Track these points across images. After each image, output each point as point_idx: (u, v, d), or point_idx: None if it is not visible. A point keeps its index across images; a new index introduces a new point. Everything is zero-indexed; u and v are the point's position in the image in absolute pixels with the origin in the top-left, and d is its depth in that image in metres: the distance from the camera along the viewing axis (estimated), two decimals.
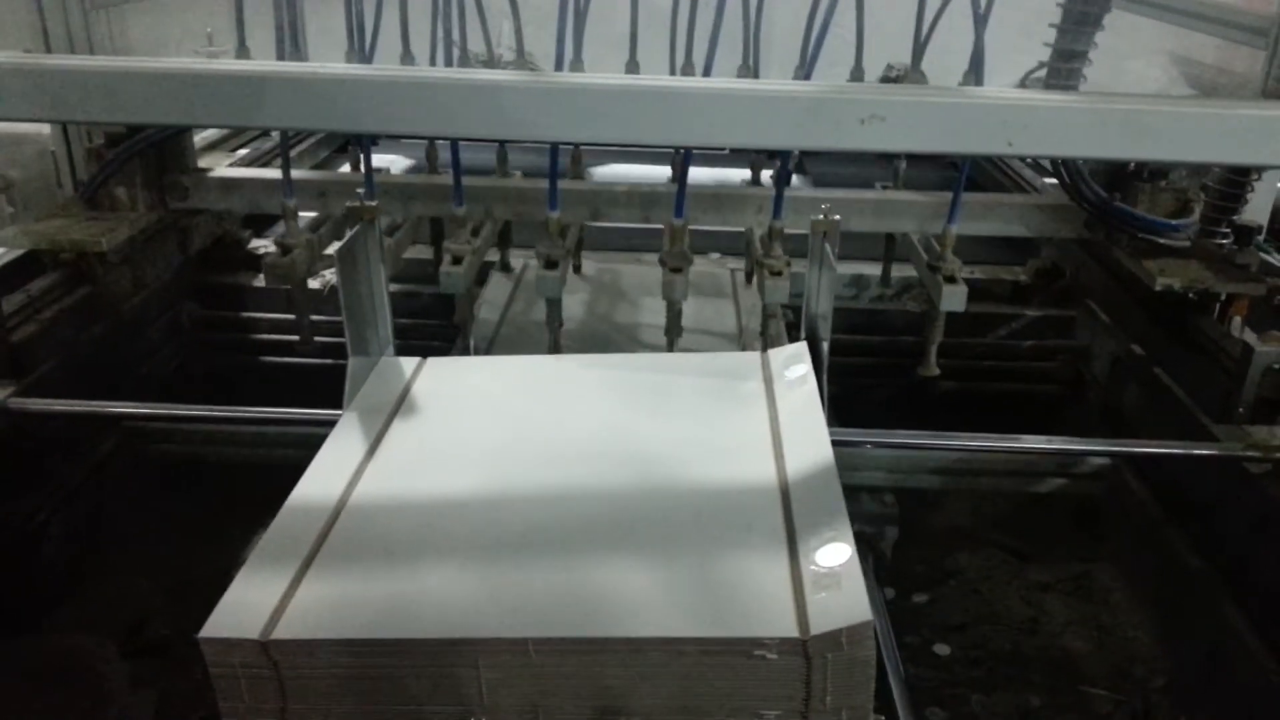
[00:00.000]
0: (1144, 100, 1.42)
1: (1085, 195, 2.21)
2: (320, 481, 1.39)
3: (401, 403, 1.60)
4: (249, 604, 1.16)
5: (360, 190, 1.80)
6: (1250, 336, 1.89)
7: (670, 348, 2.18)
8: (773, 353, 1.71)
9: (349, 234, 1.61)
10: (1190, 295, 2.12)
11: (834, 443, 1.94)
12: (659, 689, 1.13)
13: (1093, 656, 2.27)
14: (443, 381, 1.68)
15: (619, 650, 1.11)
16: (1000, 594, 2.47)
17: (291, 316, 2.66)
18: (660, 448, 1.46)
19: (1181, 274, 2.12)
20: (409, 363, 1.73)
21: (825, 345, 1.67)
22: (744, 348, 2.28)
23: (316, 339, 2.49)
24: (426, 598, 1.17)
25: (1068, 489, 2.70)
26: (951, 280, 2.18)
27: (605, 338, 2.37)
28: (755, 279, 2.31)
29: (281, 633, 1.12)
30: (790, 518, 1.28)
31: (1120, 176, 2.25)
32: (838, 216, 1.66)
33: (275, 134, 2.95)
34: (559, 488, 1.38)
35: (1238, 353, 1.88)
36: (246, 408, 1.92)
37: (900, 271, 2.78)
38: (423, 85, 1.34)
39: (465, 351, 2.22)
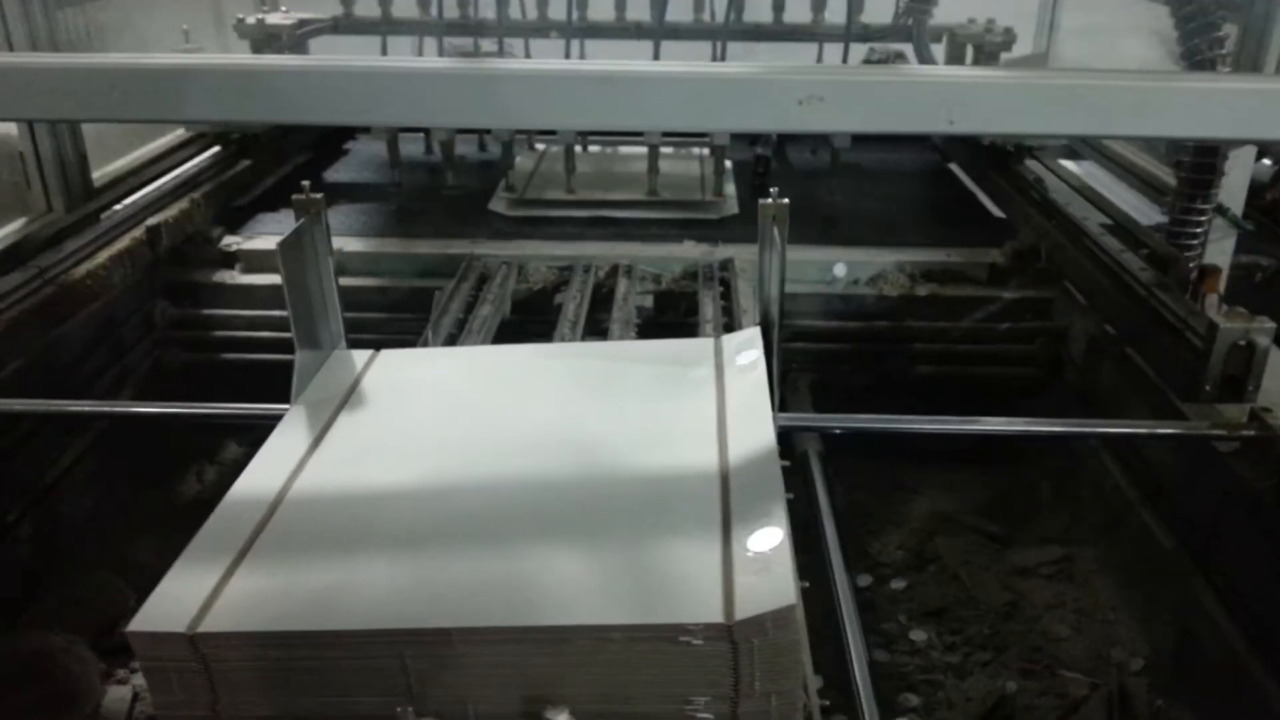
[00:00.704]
0: (1085, 75, 1.40)
1: None
2: (261, 475, 1.38)
3: (349, 395, 1.59)
4: (179, 598, 1.16)
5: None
6: (1215, 313, 1.86)
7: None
8: (726, 338, 1.70)
9: (295, 226, 1.60)
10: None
11: (802, 428, 1.96)
12: (587, 677, 1.12)
13: (1071, 640, 2.25)
14: (392, 373, 1.67)
15: (545, 639, 1.10)
16: (979, 579, 2.45)
17: (263, 312, 2.68)
18: (604, 436, 1.44)
19: None
20: (360, 355, 1.72)
21: (775, 331, 1.65)
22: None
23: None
24: (355, 589, 1.16)
25: (1050, 472, 2.69)
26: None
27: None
28: None
29: (209, 626, 1.12)
30: (728, 504, 1.27)
31: None
32: (786, 200, 1.64)
33: None
34: (498, 478, 1.37)
35: (1204, 330, 1.85)
36: (209, 404, 1.91)
37: (868, 256, 2.77)
38: (350, 75, 1.33)
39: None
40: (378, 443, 1.46)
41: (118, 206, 2.67)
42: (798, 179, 3.58)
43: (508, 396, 1.58)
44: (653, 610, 1.10)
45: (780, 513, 1.22)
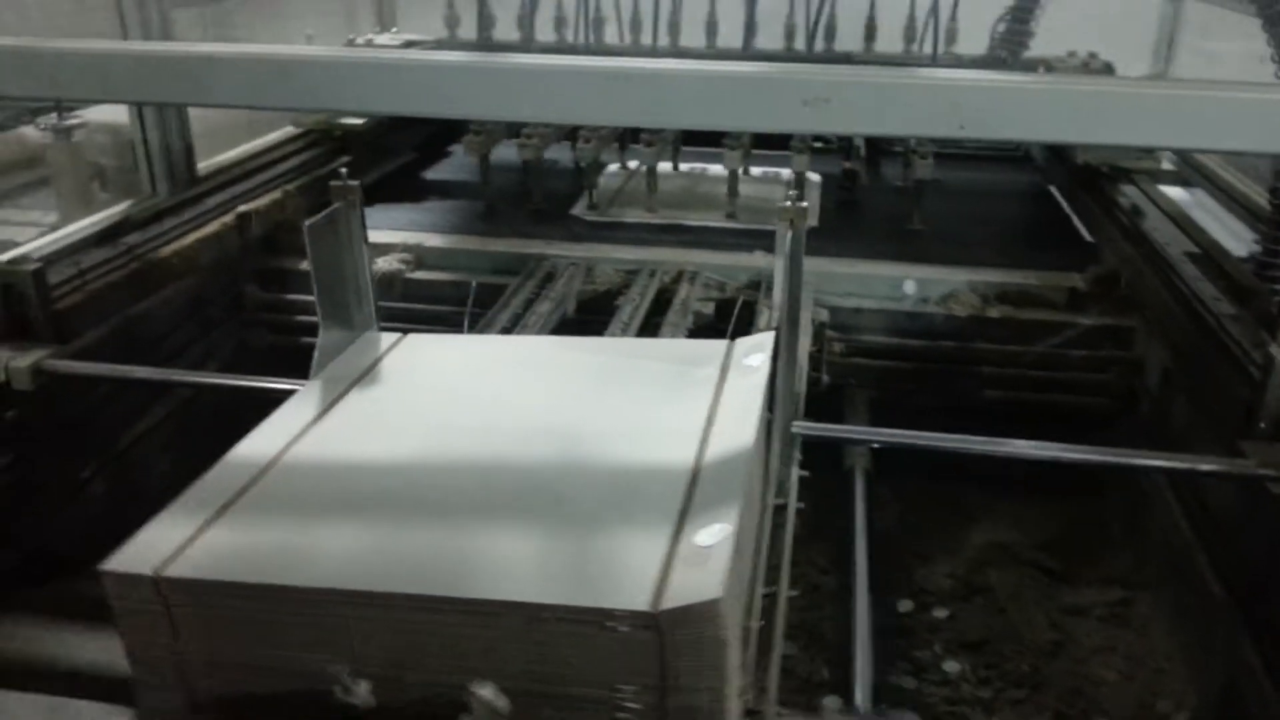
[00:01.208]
0: (1103, 82, 1.34)
1: None
2: (261, 440, 1.45)
3: (366, 374, 1.65)
4: (154, 544, 1.23)
5: None
6: (1276, 346, 1.74)
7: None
8: (740, 341, 1.69)
9: (327, 210, 1.68)
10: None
11: (821, 437, 1.92)
12: (518, 655, 1.13)
13: (1115, 687, 2.13)
14: (412, 356, 1.72)
15: (477, 612, 1.12)
16: (1027, 615, 2.35)
17: None
18: (590, 427, 1.46)
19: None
20: (389, 338, 1.79)
21: (795, 336, 1.64)
22: None
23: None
24: (315, 550, 1.21)
25: (1120, 509, 2.56)
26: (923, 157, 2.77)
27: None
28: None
29: (173, 572, 1.18)
30: (689, 500, 1.27)
31: None
32: (805, 203, 1.62)
33: None
34: (477, 459, 1.40)
35: (1262, 362, 1.74)
36: (274, 379, 1.99)
37: (940, 274, 2.70)
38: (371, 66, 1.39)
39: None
40: (377, 419, 1.52)
41: (215, 194, 2.83)
42: (888, 194, 3.51)
43: (512, 383, 1.61)
44: (583, 594, 1.11)
45: (733, 511, 1.21)
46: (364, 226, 1.76)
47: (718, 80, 1.38)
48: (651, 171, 3.22)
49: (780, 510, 1.71)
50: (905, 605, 2.39)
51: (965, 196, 3.50)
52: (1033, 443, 1.88)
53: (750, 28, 3.35)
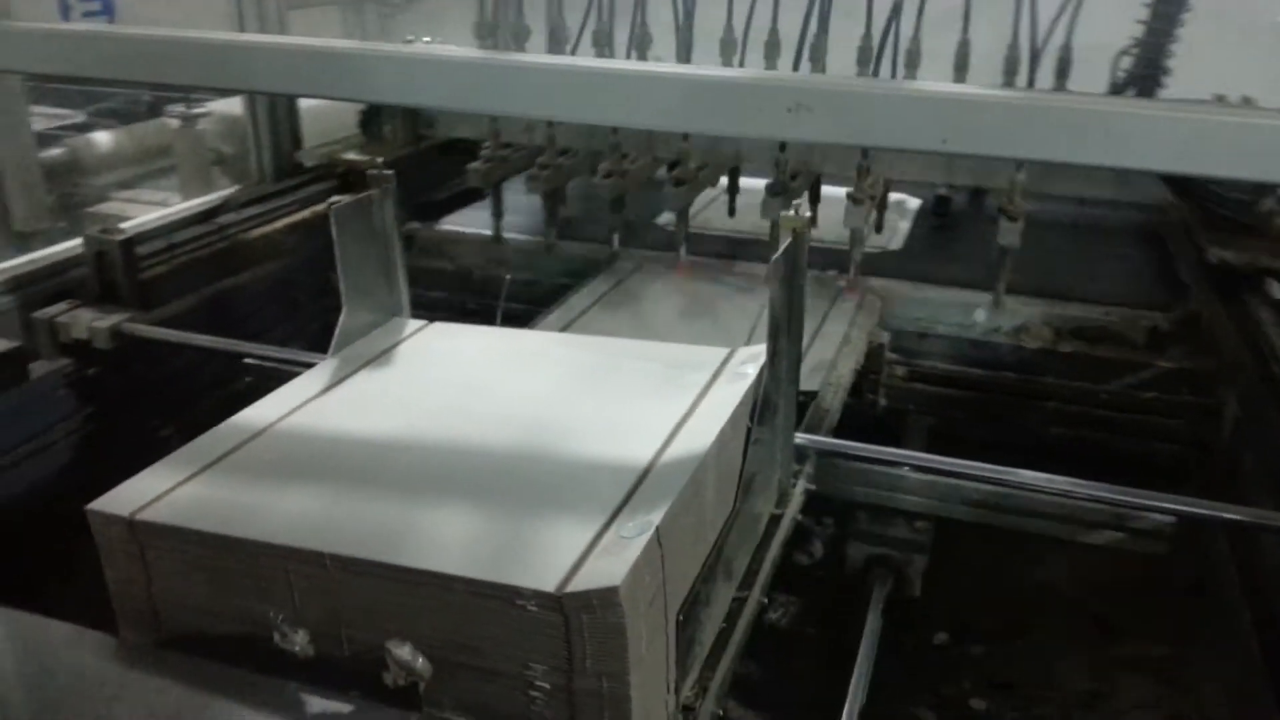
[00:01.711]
0: (1098, 101, 1.30)
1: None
2: (263, 409, 1.55)
3: (378, 357, 1.73)
4: (140, 490, 1.33)
5: None
6: None
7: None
8: (741, 350, 1.69)
9: (356, 196, 1.77)
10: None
11: (844, 455, 1.89)
12: (438, 624, 1.17)
13: None
14: (429, 342, 1.80)
15: (399, 579, 1.17)
16: (1069, 662, 2.24)
17: (424, 292, 2.91)
18: (566, 421, 1.49)
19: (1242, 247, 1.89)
20: (414, 324, 1.87)
21: (798, 346, 1.63)
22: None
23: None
24: (271, 508, 1.29)
25: (1189, 561, 2.41)
26: (1012, 219, 2.43)
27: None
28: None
29: (146, 516, 1.28)
30: (631, 494, 1.28)
31: None
32: (809, 213, 1.61)
33: None
34: (451, 441, 1.45)
35: None
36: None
37: (1015, 304, 2.61)
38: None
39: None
40: (372, 398, 1.59)
41: (315, 185, 3.00)
42: (984, 223, 3.40)
43: (508, 374, 1.66)
44: (498, 570, 1.14)
45: (664, 507, 1.22)
46: (395, 215, 1.85)
47: (701, 84, 1.40)
48: (683, 218, 2.79)
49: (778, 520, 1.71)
50: (941, 638, 2.32)
51: (1067, 231, 3.35)
52: (1074, 480, 1.82)
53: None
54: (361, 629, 1.21)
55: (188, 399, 2.52)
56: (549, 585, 1.11)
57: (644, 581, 1.14)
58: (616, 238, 2.93)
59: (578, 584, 1.11)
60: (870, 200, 2.59)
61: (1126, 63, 3.19)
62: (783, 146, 2.61)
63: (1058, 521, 1.97)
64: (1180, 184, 2.39)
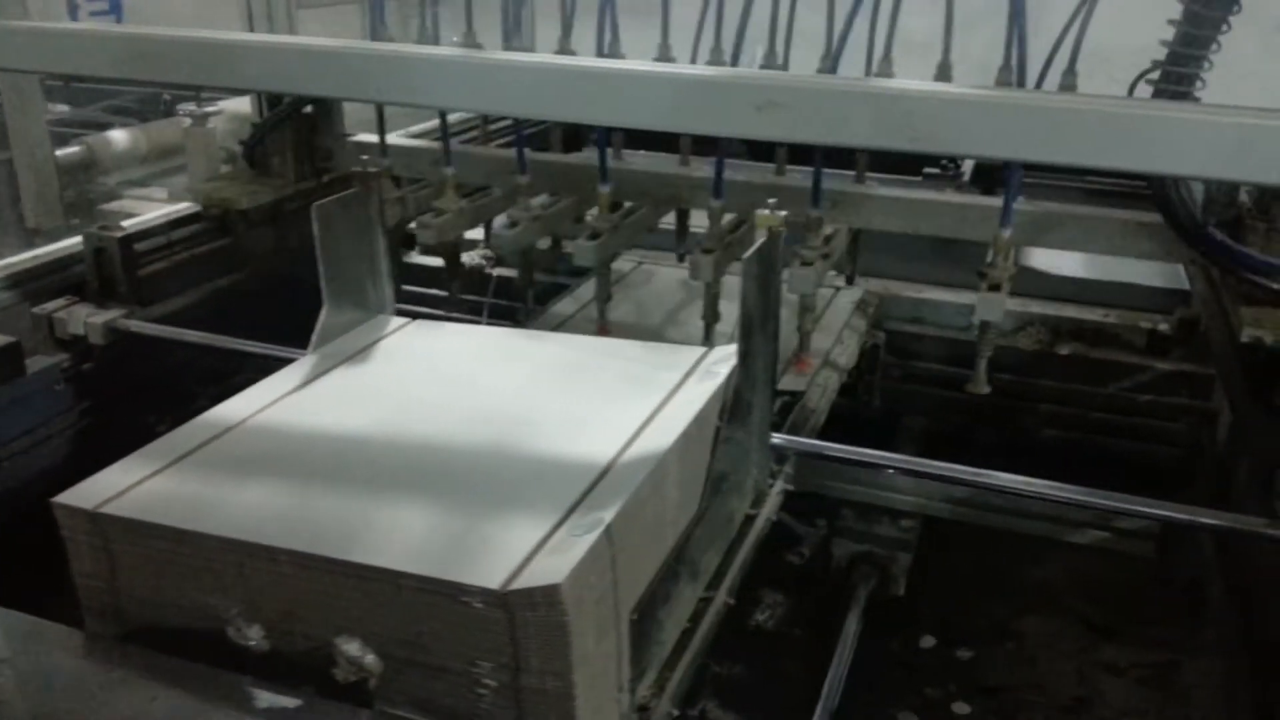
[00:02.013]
0: (1075, 99, 1.28)
1: (1178, 216, 1.93)
2: (237, 405, 1.56)
3: (358, 354, 1.74)
4: (107, 483, 1.34)
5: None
6: None
7: (707, 333, 2.19)
8: (716, 350, 1.69)
9: (341, 194, 1.78)
10: None
11: (822, 456, 1.88)
12: (388, 620, 1.18)
13: None
14: (409, 340, 1.81)
15: (350, 575, 1.17)
16: (1057, 666, 2.22)
17: (425, 290, 2.92)
18: (535, 418, 1.49)
19: (1278, 326, 1.83)
20: (398, 322, 1.88)
21: (773, 345, 1.62)
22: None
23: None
24: (231, 503, 1.30)
25: (1188, 566, 2.38)
26: (994, 288, 1.94)
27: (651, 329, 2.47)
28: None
29: (109, 509, 1.29)
30: (588, 492, 1.28)
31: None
32: (784, 212, 1.61)
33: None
34: (417, 438, 1.45)
35: None
36: None
37: (1014, 305, 2.57)
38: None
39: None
40: (345, 394, 1.60)
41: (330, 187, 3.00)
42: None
43: (483, 372, 1.67)
44: (445, 567, 1.15)
45: (616, 506, 1.22)
46: (382, 213, 1.86)
47: (669, 82, 1.39)
48: (603, 276, 2.31)
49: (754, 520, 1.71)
50: (928, 641, 2.30)
51: None
52: (1053, 484, 1.79)
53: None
54: (315, 624, 1.22)
55: (184, 394, 2.54)
56: (494, 582, 1.11)
57: (590, 580, 1.14)
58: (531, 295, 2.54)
59: (522, 581, 1.11)
60: (823, 260, 2.11)
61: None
62: (717, 192, 2.14)
63: (1041, 521, 1.95)
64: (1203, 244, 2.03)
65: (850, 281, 2.58)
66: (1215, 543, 2.06)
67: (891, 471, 2.00)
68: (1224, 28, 1.95)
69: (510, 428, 1.47)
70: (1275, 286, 1.89)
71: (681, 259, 2.58)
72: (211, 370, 2.60)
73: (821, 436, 2.12)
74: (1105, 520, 1.87)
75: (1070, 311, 2.57)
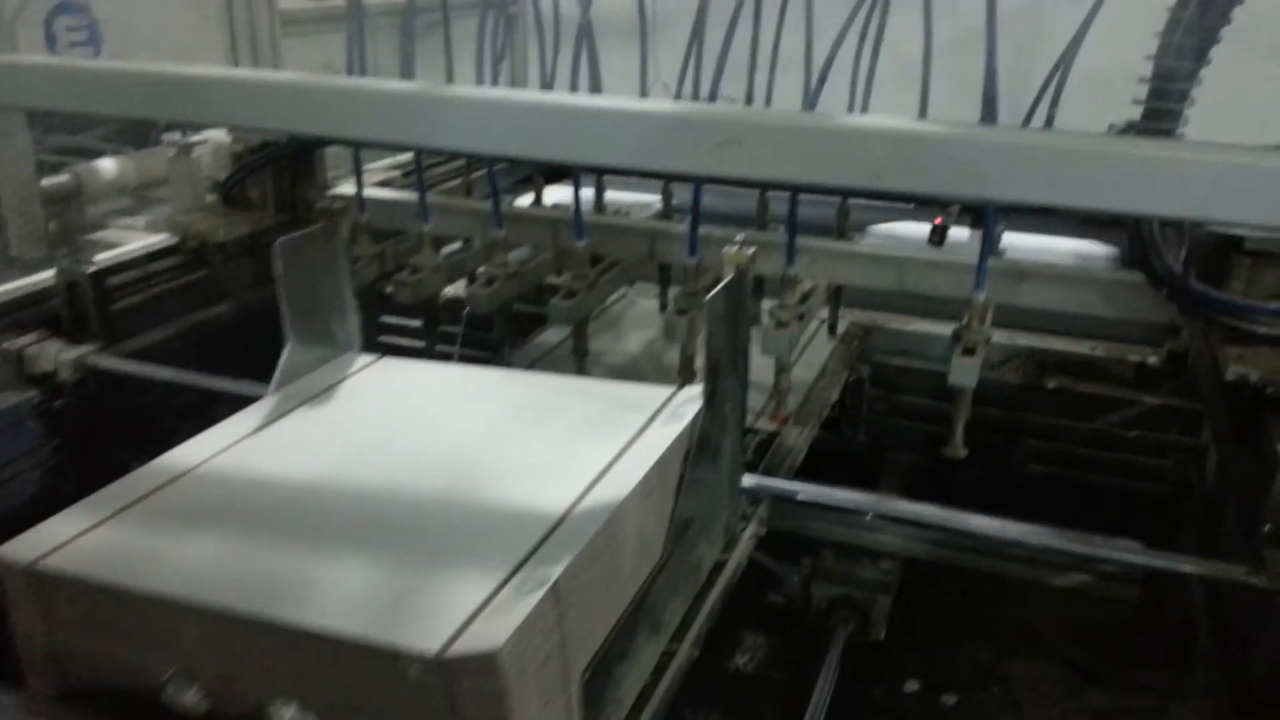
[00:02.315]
0: (1036, 136, 1.25)
1: (1154, 265, 1.90)
2: (188, 451, 1.52)
3: (319, 395, 1.70)
4: (47, 535, 1.30)
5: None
6: None
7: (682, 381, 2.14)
8: (684, 390, 1.65)
9: (303, 230, 1.75)
10: (1268, 391, 1.76)
11: (794, 499, 1.83)
12: (328, 684, 1.14)
13: None
14: (375, 379, 1.77)
15: (287, 635, 1.13)
16: (1043, 711, 2.16)
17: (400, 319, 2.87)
18: (494, 464, 1.45)
19: (1264, 364, 1.78)
20: (364, 359, 1.84)
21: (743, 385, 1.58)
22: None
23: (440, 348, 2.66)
24: (171, 557, 1.26)
25: (1181, 609, 2.32)
26: (969, 352, 1.92)
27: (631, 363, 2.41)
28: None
29: (45, 564, 1.25)
30: (540, 544, 1.24)
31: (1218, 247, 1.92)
32: (753, 249, 1.57)
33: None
34: (371, 487, 1.41)
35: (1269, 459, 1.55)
36: None
37: (1001, 337, 2.53)
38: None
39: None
40: (301, 439, 1.56)
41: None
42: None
43: (446, 414, 1.63)
44: (383, 630, 1.10)
45: (564, 562, 1.18)
46: (347, 250, 1.82)
47: (630, 119, 1.36)
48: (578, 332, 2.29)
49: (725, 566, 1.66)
50: (912, 686, 2.25)
51: None
52: (1034, 528, 1.75)
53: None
54: (253, 686, 1.18)
55: (158, 431, 2.50)
56: (431, 646, 1.07)
57: (534, 642, 1.10)
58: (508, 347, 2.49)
59: (460, 647, 1.06)
60: (799, 321, 2.04)
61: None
62: (692, 248, 2.10)
63: (1024, 564, 1.90)
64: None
65: (832, 330, 2.55)
66: (1203, 584, 2.00)
67: (869, 516, 1.95)
68: (1205, 59, 1.92)
69: (466, 474, 1.42)
70: (1260, 330, 1.85)
71: (664, 308, 2.57)
72: (188, 406, 2.56)
73: (803, 472, 2.08)
74: (1089, 564, 1.81)
75: (1058, 344, 2.52)
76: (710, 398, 1.53)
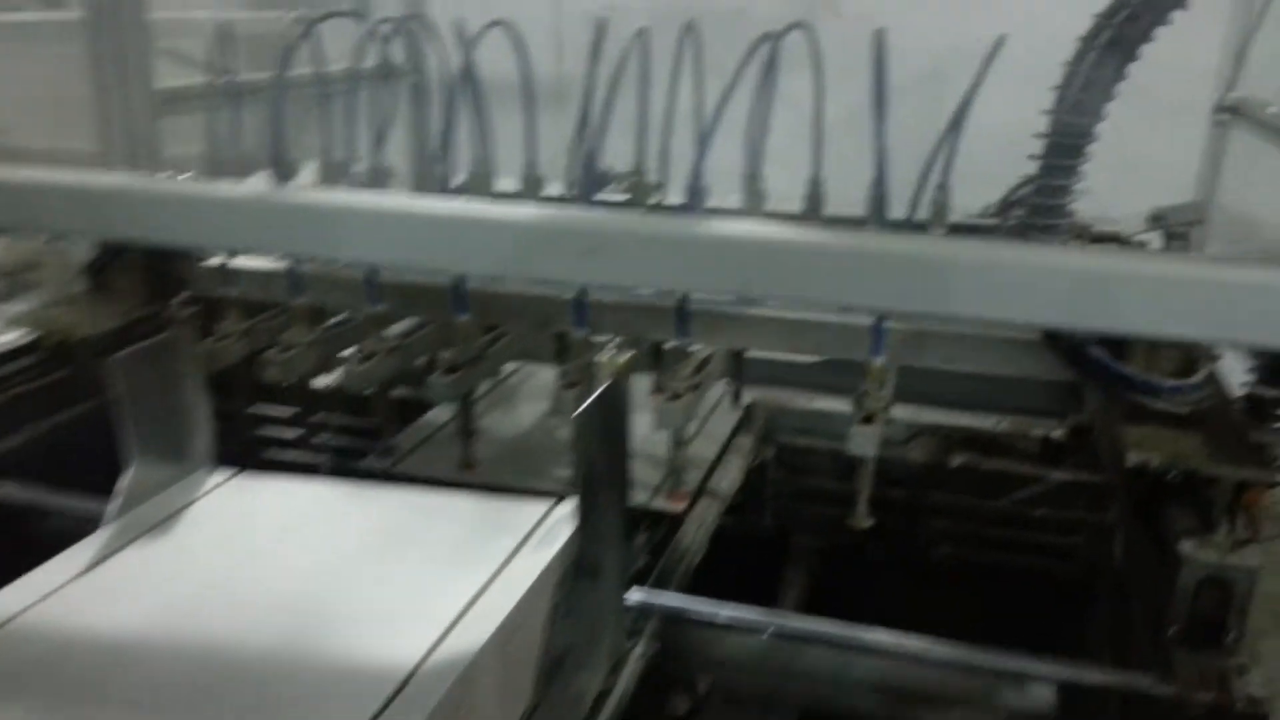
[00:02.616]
0: (911, 241, 1.18)
1: (1057, 335, 1.85)
2: (7, 598, 1.36)
3: (162, 523, 1.55)
4: None
5: None
6: (1189, 542, 1.49)
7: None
8: (562, 505, 1.53)
9: (148, 340, 1.61)
10: (1170, 477, 1.71)
11: (709, 624, 1.71)
12: None
13: None
14: (223, 502, 1.63)
15: None
16: None
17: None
18: (344, 606, 1.32)
19: (1166, 447, 1.73)
20: (218, 477, 1.70)
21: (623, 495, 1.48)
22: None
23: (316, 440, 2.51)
24: None
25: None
26: (868, 420, 1.84)
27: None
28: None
29: None
30: (387, 705, 1.11)
31: None
32: (631, 353, 1.48)
33: None
34: (204, 638, 1.27)
35: (1172, 559, 1.49)
36: None
37: (907, 414, 2.47)
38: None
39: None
40: (137, 578, 1.41)
41: None
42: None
43: (297, 539, 1.49)
44: None
45: None
46: (195, 357, 1.69)
47: (485, 225, 1.26)
48: (464, 407, 2.10)
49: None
50: None
51: None
52: (933, 641, 1.67)
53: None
54: None
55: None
56: None
57: None
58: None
59: None
60: (693, 392, 1.87)
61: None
62: (579, 319, 1.84)
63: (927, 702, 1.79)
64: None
65: (736, 399, 2.46)
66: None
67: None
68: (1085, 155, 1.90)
69: (313, 622, 1.29)
70: (1159, 407, 1.80)
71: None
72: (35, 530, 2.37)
73: (705, 562, 1.98)
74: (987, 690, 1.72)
75: (964, 420, 2.47)
76: (586, 515, 1.42)
